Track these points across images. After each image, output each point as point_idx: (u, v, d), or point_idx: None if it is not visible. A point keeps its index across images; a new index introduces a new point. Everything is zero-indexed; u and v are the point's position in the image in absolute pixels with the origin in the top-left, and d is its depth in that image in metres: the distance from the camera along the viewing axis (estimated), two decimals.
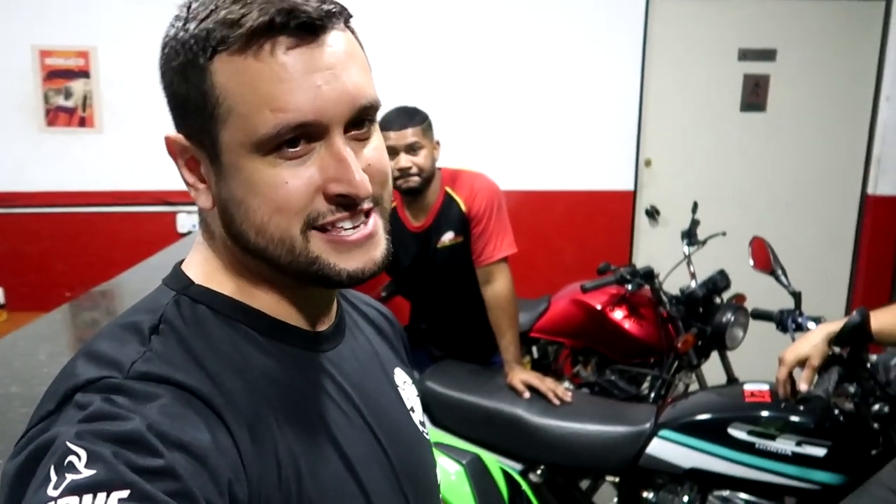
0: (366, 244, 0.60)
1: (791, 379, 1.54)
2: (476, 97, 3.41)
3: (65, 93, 3.29)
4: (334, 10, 0.57)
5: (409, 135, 1.96)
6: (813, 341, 1.51)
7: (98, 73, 3.28)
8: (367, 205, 0.59)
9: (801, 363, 1.51)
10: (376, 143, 0.61)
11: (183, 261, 0.66)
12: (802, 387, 1.50)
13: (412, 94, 3.12)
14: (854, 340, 1.47)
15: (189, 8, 0.56)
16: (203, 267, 0.63)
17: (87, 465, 0.46)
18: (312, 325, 0.66)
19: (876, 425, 1.56)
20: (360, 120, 0.59)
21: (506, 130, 3.44)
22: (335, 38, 0.57)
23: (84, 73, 3.28)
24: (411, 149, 1.97)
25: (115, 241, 3.32)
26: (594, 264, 2.64)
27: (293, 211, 0.57)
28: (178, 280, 0.63)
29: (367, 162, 0.59)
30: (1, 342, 1.63)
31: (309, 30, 0.55)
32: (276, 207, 0.56)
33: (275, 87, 0.54)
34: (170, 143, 0.60)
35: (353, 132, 0.58)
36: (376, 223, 0.61)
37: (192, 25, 0.55)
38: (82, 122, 3.32)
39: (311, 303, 0.65)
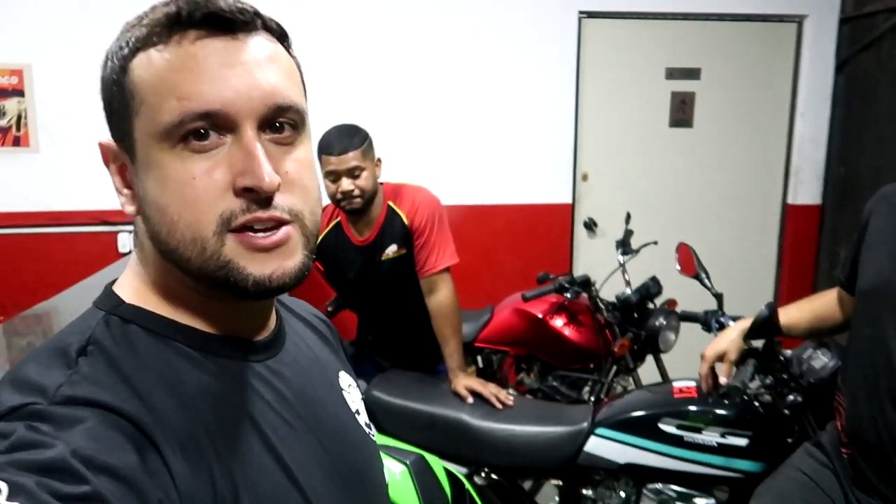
0: (276, 251, 0.58)
1: (713, 374, 1.64)
2: (417, 113, 3.49)
3: None
4: (250, 11, 0.58)
5: (350, 159, 2.00)
6: (729, 337, 1.62)
7: (33, 91, 3.22)
8: (280, 214, 0.58)
9: (721, 358, 1.62)
10: (301, 156, 0.61)
11: (115, 280, 0.65)
12: (722, 380, 1.60)
13: (353, 109, 3.20)
14: (764, 334, 1.59)
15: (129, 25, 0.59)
16: (134, 284, 0.63)
17: (8, 498, 0.44)
18: (249, 335, 0.65)
19: (790, 413, 1.69)
20: (277, 122, 0.58)
21: (448, 146, 3.53)
22: (257, 42, 0.58)
23: (18, 92, 3.22)
24: (352, 172, 2.01)
25: (52, 263, 3.24)
26: (535, 275, 2.73)
27: (203, 208, 0.55)
28: (107, 300, 0.62)
29: (286, 170, 0.58)
30: None
31: (221, 24, 0.56)
32: (185, 203, 0.55)
33: (182, 75, 0.54)
34: (103, 150, 0.61)
35: (271, 134, 0.58)
36: (289, 234, 0.59)
37: (123, 33, 0.58)
38: (17, 142, 3.25)
39: (245, 314, 0.64)
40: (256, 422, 0.60)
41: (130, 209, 0.61)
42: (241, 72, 0.56)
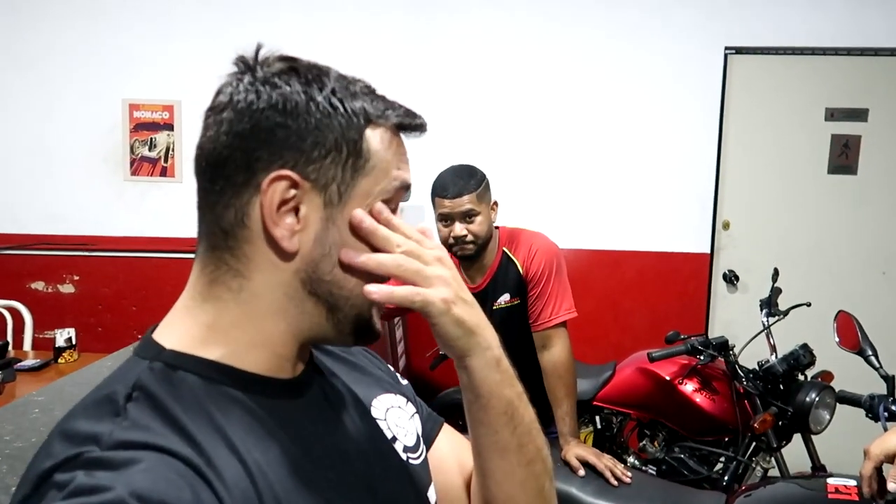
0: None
1: (878, 476, 1.35)
2: (542, 153, 3.36)
3: (149, 144, 3.46)
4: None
5: (465, 202, 1.91)
6: None
7: (181, 126, 3.43)
8: None
9: (891, 459, 1.33)
10: None
11: (154, 328, 0.65)
12: (891, 486, 1.31)
13: (471, 149, 3.13)
14: None
15: (315, 77, 0.63)
16: (185, 330, 0.63)
17: None
18: (289, 374, 0.67)
19: None
20: None
21: (576, 187, 3.37)
22: None
23: (168, 126, 3.45)
24: (467, 216, 1.92)
25: None
26: (666, 330, 2.49)
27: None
28: (149, 348, 0.63)
29: None
30: (67, 378, 1.68)
31: (415, 133, 0.69)
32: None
33: (402, 161, 0.67)
34: (281, 179, 0.60)
35: None
36: None
37: (341, 94, 0.63)
38: (164, 172, 3.47)
39: (299, 354, 0.67)
40: (298, 460, 0.62)
41: (293, 246, 0.61)
42: None
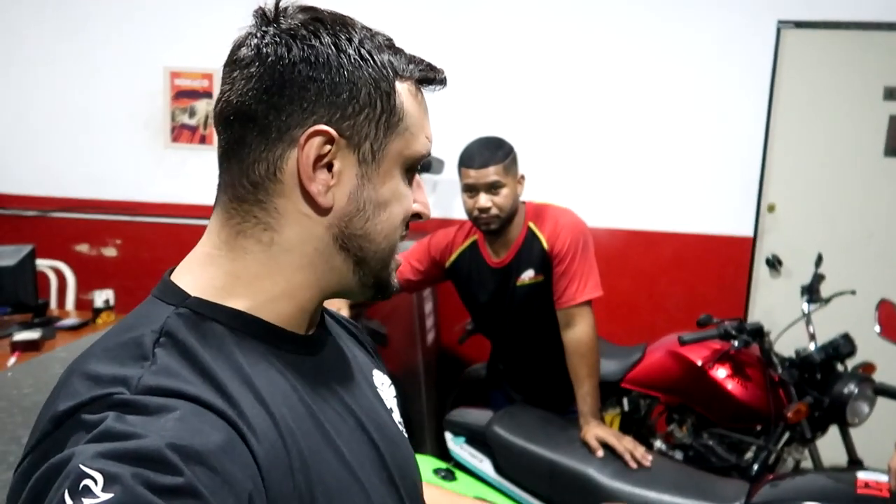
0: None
1: None
2: (581, 128, 3.27)
3: (189, 112, 3.50)
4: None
5: (491, 173, 1.87)
6: None
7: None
8: None
9: None
10: None
11: (172, 272, 0.65)
12: None
13: (504, 121, 3.07)
14: None
15: (342, 29, 0.62)
16: (205, 279, 0.63)
17: (104, 489, 0.44)
18: (305, 330, 0.67)
19: None
20: None
21: (613, 165, 3.27)
22: None
23: (208, 94, 3.48)
24: (492, 188, 1.88)
25: None
26: (703, 313, 2.42)
27: (404, 223, 0.67)
28: (173, 293, 0.62)
29: None
30: (91, 336, 1.71)
31: (437, 87, 0.69)
32: (404, 217, 0.67)
33: (426, 120, 0.68)
34: (318, 134, 0.60)
35: None
36: None
37: (368, 43, 0.62)
38: (203, 140, 3.51)
39: (317, 310, 0.68)
40: (320, 416, 0.62)
41: (328, 202, 0.62)
42: None
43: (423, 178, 3.20)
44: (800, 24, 3.08)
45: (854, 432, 2.20)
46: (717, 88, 3.16)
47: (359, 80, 0.60)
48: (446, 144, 2.82)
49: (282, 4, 0.62)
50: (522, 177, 1.96)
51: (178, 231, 3.55)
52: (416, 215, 0.69)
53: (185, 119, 3.51)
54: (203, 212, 3.51)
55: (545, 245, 1.96)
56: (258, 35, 0.60)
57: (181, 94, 3.50)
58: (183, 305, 0.60)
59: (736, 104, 3.15)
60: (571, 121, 3.27)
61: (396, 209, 0.65)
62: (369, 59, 0.61)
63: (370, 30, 0.64)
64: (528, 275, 1.99)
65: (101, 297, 2.86)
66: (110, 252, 3.68)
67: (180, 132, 3.53)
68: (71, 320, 2.80)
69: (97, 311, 2.84)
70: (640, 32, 3.19)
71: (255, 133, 0.60)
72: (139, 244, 3.63)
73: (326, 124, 0.60)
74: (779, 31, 3.09)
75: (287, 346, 0.64)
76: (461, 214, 2.10)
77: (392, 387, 0.82)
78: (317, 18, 0.61)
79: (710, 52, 3.14)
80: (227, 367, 0.57)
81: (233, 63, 0.62)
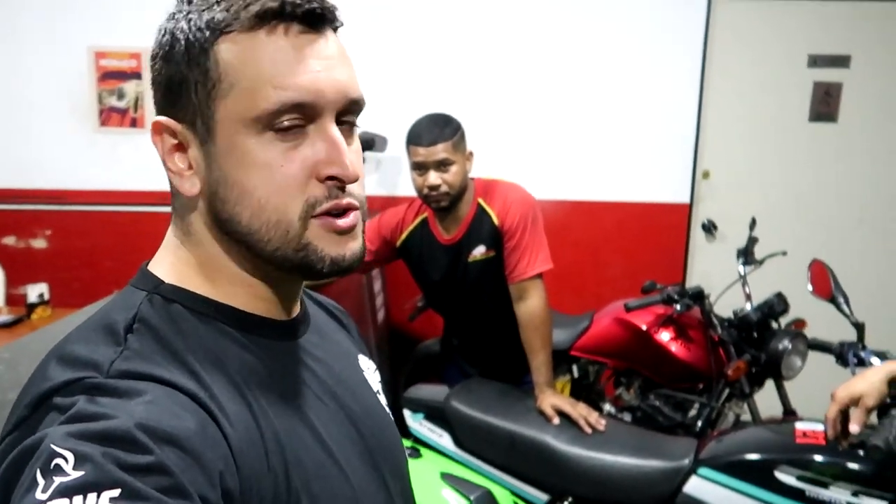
0: (349, 234, 0.62)
1: (843, 419, 1.38)
2: (518, 103, 3.29)
3: (118, 94, 3.35)
4: (334, 10, 0.61)
5: (440, 150, 1.87)
6: (870, 379, 1.35)
7: (149, 75, 3.31)
8: (352, 200, 0.61)
9: (855, 402, 1.35)
10: (357, 147, 0.64)
11: (149, 262, 0.65)
12: (853, 428, 1.34)
13: (446, 98, 3.07)
14: None
15: (189, 2, 0.59)
16: (176, 266, 0.63)
17: (74, 467, 0.45)
18: (283, 315, 0.67)
19: None
20: (346, 115, 0.61)
21: (553, 138, 3.32)
22: (332, 38, 0.61)
23: (136, 75, 3.33)
24: (441, 165, 1.88)
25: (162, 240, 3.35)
26: (645, 280, 2.51)
27: (291, 193, 0.58)
28: (147, 280, 0.63)
29: (351, 160, 0.60)
30: (35, 333, 1.65)
31: (313, 20, 0.58)
32: (274, 188, 0.58)
33: (279, 66, 0.57)
34: (158, 127, 0.60)
35: (339, 126, 0.61)
36: (357, 218, 0.63)
37: (195, 14, 0.57)
38: (133, 123, 3.37)
39: (282, 294, 0.66)
40: (297, 399, 0.63)
41: (192, 190, 0.60)
42: (326, 65, 0.58)
43: (366, 156, 3.15)
44: None
45: (788, 385, 2.33)
46: (651, 59, 3.22)
47: (175, 55, 0.58)
48: (389, 121, 2.80)
49: None
50: (471, 153, 1.97)
51: (112, 219, 3.41)
52: (333, 178, 0.59)
53: (114, 101, 3.35)
54: (137, 198, 3.41)
55: (495, 221, 1.98)
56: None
57: (108, 76, 3.34)
58: (156, 292, 0.61)
59: (670, 74, 3.23)
60: (511, 95, 3.29)
61: (255, 181, 0.57)
62: (183, 26, 0.57)
63: (199, 3, 0.58)
64: (479, 251, 2.01)
65: (35, 291, 2.74)
66: (40, 243, 3.51)
67: (109, 115, 3.37)
68: (3, 317, 2.68)
69: (31, 307, 2.73)
70: (575, 4, 3.22)
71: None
72: (71, 234, 3.47)
73: (162, 113, 0.60)
74: (709, 1, 3.17)
75: (260, 331, 0.64)
76: (407, 192, 2.10)
77: (377, 372, 0.82)
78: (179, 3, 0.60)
79: (644, 24, 3.20)
80: (199, 351, 0.58)
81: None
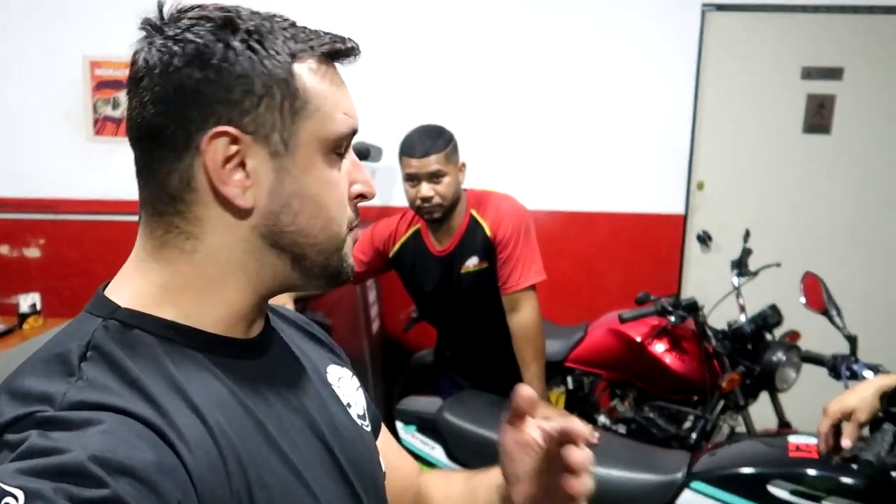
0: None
1: (836, 433, 1.37)
2: (515, 112, 3.30)
3: (112, 103, 3.35)
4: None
5: (432, 162, 1.87)
6: (862, 394, 1.34)
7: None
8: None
9: (847, 416, 1.35)
10: None
11: (107, 285, 0.64)
12: (845, 443, 1.33)
13: (440, 109, 3.06)
14: None
15: (227, 21, 0.59)
16: (142, 289, 0.61)
17: None
18: (247, 334, 0.66)
19: None
20: None
21: (548, 148, 3.32)
22: None
23: None
24: (434, 177, 1.88)
25: None
26: (639, 291, 2.50)
27: (345, 209, 0.65)
28: (102, 305, 0.61)
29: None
30: (25, 344, 1.63)
31: (348, 59, 0.65)
32: (340, 204, 0.64)
33: (341, 96, 0.64)
34: (218, 136, 0.58)
35: None
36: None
37: (256, 36, 0.59)
38: None
39: (256, 312, 0.66)
40: (260, 420, 0.61)
41: (248, 203, 0.60)
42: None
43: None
44: (723, 7, 3.19)
45: (782, 397, 2.32)
46: (645, 70, 3.24)
47: (251, 71, 0.58)
48: (384, 132, 2.80)
49: (167, 10, 0.61)
50: (463, 164, 1.97)
51: (105, 228, 3.40)
52: (361, 196, 0.67)
53: (109, 111, 3.35)
54: (131, 207, 3.37)
55: (488, 232, 1.97)
56: (146, 47, 0.59)
57: (103, 85, 3.34)
58: (111, 317, 0.59)
59: (664, 86, 3.24)
60: (506, 106, 3.29)
61: (328, 197, 0.63)
62: (258, 47, 0.59)
63: (261, 14, 0.62)
64: (472, 262, 2.00)
65: (27, 301, 2.73)
66: (33, 253, 3.50)
67: (104, 125, 3.37)
68: None
69: (23, 317, 2.71)
70: (569, 16, 3.23)
71: (163, 146, 0.59)
72: (64, 243, 3.46)
73: (227, 124, 0.58)
74: (703, 13, 3.18)
75: (224, 351, 0.63)
76: (401, 202, 2.10)
77: (354, 378, 0.81)
78: (202, 17, 0.59)
79: (638, 35, 3.21)
80: (157, 377, 0.56)
81: (130, 81, 0.61)
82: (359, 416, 0.77)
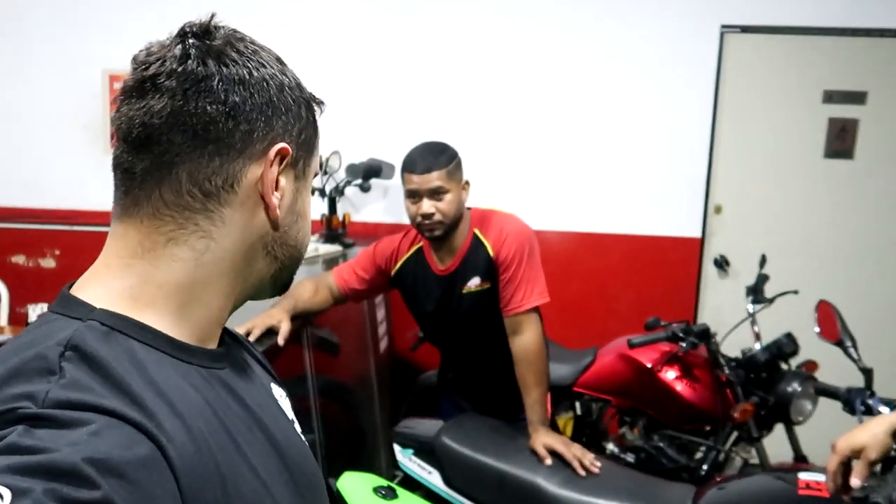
0: None
1: (845, 471, 1.30)
2: (531, 133, 3.27)
3: None
4: None
5: (434, 179, 1.84)
6: (873, 430, 1.27)
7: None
8: None
9: (857, 454, 1.28)
10: None
11: (71, 286, 0.63)
12: (854, 482, 1.26)
13: (456, 127, 3.05)
14: None
15: (276, 57, 0.68)
16: (131, 290, 0.61)
17: None
18: (211, 344, 0.68)
19: None
20: None
21: (563, 169, 3.28)
22: None
23: None
24: (435, 193, 1.85)
25: None
26: (653, 314, 2.43)
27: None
28: (74, 307, 0.60)
29: None
30: None
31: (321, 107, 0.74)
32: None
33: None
34: (283, 152, 0.66)
35: None
36: None
37: (295, 74, 0.69)
38: None
39: (224, 321, 0.69)
40: (230, 430, 0.62)
41: (280, 214, 0.67)
42: None
43: (374, 183, 3.10)
44: (743, 29, 3.14)
45: (799, 429, 2.24)
46: (663, 92, 3.19)
47: (299, 100, 0.67)
48: (396, 149, 2.78)
49: (213, 23, 0.64)
50: (467, 182, 1.94)
51: None
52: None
53: None
54: None
55: (491, 252, 1.93)
56: (192, 52, 0.62)
57: None
58: (90, 318, 0.58)
59: (682, 108, 3.19)
60: (520, 125, 3.27)
61: (309, 219, 0.74)
62: (298, 84, 0.68)
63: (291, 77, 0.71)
64: (474, 282, 1.96)
65: (35, 311, 2.74)
66: (49, 263, 3.53)
67: None
68: (3, 336, 2.68)
69: None
70: (586, 37, 3.20)
71: (207, 146, 0.61)
72: (80, 254, 3.47)
73: (287, 142, 0.65)
74: (722, 35, 3.13)
75: (195, 360, 0.63)
76: None
77: (287, 398, 0.81)
78: (243, 38, 0.65)
79: (656, 57, 3.18)
80: (140, 380, 0.56)
81: (153, 78, 0.62)
82: (301, 432, 0.79)
